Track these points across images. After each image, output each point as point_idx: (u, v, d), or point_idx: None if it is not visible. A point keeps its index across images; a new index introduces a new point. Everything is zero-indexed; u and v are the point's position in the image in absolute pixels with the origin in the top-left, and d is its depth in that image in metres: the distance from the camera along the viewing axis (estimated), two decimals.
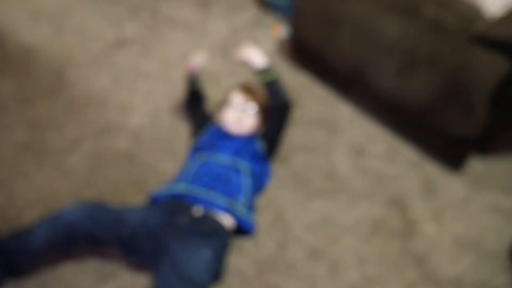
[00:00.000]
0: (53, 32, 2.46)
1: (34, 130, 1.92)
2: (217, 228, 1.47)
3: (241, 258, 1.56)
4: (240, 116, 1.74)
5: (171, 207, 1.50)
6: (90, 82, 2.17)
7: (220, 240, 1.45)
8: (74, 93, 2.11)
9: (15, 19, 2.52)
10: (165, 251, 1.38)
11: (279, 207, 1.72)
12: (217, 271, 1.43)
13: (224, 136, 1.73)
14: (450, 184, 1.83)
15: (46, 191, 1.70)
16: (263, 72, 1.80)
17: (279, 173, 1.82)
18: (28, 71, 2.21)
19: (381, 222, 1.70)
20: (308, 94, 2.15)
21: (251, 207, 1.59)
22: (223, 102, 1.84)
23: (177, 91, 2.11)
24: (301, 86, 2.18)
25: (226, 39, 2.44)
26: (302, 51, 2.26)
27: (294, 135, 1.94)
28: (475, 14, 1.55)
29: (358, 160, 1.90)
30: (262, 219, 1.66)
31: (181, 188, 1.54)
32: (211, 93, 2.04)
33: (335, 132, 2.00)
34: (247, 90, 1.82)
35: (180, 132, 1.97)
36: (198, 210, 1.48)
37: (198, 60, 1.91)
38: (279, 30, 2.48)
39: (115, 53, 2.34)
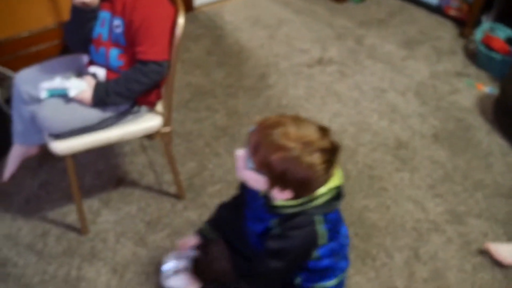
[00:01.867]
0: (266, 38, 2.73)
1: (232, 117, 2.16)
2: None
3: None
4: None
5: None
6: (287, 89, 2.35)
7: None
8: (271, 94, 2.30)
9: (239, 22, 2.87)
10: None
11: None
12: None
13: None
14: None
15: (232, 176, 1.89)
16: None
17: None
18: (239, 66, 2.49)
19: None
20: (504, 159, 2.00)
21: None
22: None
23: (363, 117, 2.16)
24: (496, 149, 2.04)
25: (424, 81, 2.41)
26: (507, 114, 2.11)
27: (492, 206, 1.82)
28: None
29: None
30: None
31: None
32: (394, 126, 2.04)
33: None
34: None
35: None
36: None
37: (191, 243, 1.47)
38: (484, 84, 2.36)
39: (315, 69, 2.50)
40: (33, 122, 1.43)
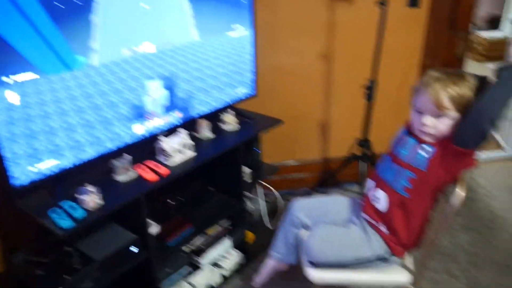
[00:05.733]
0: None
1: None
2: None
3: None
4: None
5: None
6: None
7: None
8: None
9: (492, 188, 2.73)
10: None
11: None
12: None
13: None
14: None
15: None
16: None
17: None
18: (488, 235, 2.31)
19: None
20: None
21: None
22: None
23: None
24: None
25: None
26: None
27: None
28: None
29: None
30: None
31: None
32: None
33: None
34: None
35: None
36: None
37: None
38: None
39: None
40: (295, 244, 1.63)
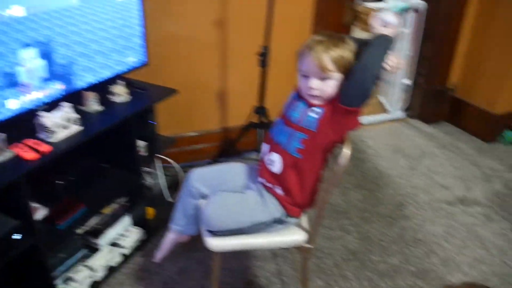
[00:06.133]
0: (407, 168, 2.74)
1: (363, 242, 2.14)
2: None
3: None
4: None
5: None
6: (424, 223, 2.28)
7: None
8: (407, 226, 2.25)
9: (380, 148, 2.96)
10: None
11: None
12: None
13: None
14: None
15: None
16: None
17: None
18: (376, 191, 2.51)
19: None
20: None
21: None
22: None
23: (509, 270, 1.97)
24: None
25: None
26: None
27: None
28: None
29: None
30: None
31: None
32: None
33: None
34: None
35: None
36: None
37: None
38: None
39: (456, 208, 2.40)
40: (194, 214, 1.61)
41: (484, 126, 3.07)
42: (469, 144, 3.05)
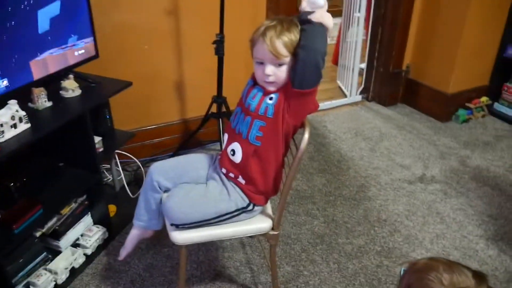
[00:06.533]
0: (367, 150, 2.79)
1: (329, 225, 2.17)
2: None
3: None
4: None
5: None
6: (386, 203, 2.33)
7: None
8: (370, 207, 2.30)
9: (340, 132, 2.99)
10: None
11: None
12: None
13: None
14: None
15: (327, 286, 1.86)
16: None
17: None
18: (339, 174, 2.55)
19: None
20: None
21: None
22: None
23: (468, 243, 2.05)
24: None
25: None
26: None
27: None
28: None
29: None
30: None
31: None
32: (504, 257, 1.89)
33: None
34: None
35: None
36: None
37: None
38: None
39: (416, 186, 2.47)
40: (157, 209, 1.57)
41: (439, 106, 3.17)
42: (425, 124, 3.14)
